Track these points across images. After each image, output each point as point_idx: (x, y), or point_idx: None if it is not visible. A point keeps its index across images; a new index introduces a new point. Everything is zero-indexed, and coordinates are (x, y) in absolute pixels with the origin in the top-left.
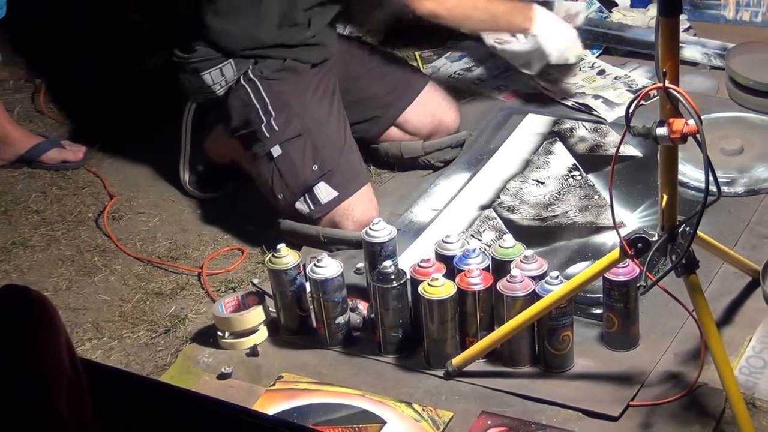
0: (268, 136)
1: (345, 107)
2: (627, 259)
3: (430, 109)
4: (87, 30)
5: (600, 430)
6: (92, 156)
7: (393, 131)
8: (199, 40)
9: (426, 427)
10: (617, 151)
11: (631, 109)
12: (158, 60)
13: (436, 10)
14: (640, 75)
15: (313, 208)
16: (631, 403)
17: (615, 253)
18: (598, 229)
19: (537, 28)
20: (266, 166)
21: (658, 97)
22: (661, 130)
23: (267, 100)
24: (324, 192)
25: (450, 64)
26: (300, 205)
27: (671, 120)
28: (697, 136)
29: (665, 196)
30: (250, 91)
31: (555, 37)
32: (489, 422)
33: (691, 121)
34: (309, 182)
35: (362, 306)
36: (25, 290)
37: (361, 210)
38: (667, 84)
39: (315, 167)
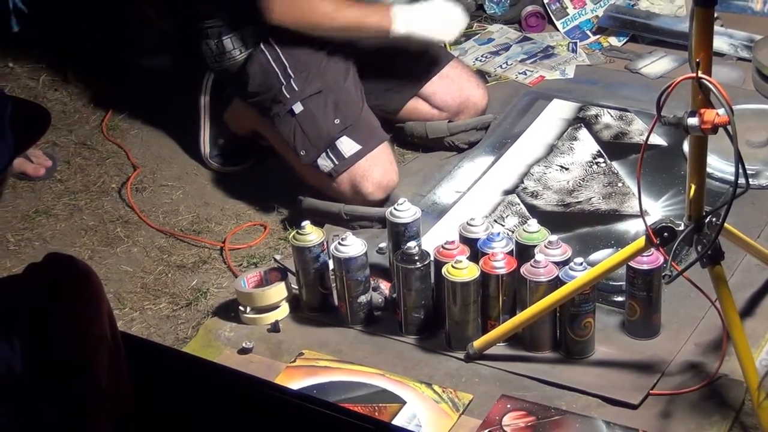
0: (288, 96)
1: (367, 79)
2: (651, 248)
3: (457, 84)
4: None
5: (619, 417)
6: (54, 173)
7: (421, 105)
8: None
9: (446, 409)
10: (647, 140)
11: (662, 99)
12: (163, 62)
13: (282, 21)
14: (666, 63)
15: (337, 162)
16: (651, 391)
17: (640, 242)
18: (622, 216)
19: (400, 25)
20: (288, 123)
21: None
22: (692, 121)
23: (286, 63)
24: (347, 145)
25: (477, 46)
26: (322, 161)
27: (703, 110)
28: (728, 127)
29: (693, 186)
30: (269, 55)
31: (425, 24)
32: (509, 406)
33: (722, 112)
34: (332, 135)
35: (384, 286)
36: (71, 260)
37: (381, 171)
38: (700, 74)
39: (337, 121)
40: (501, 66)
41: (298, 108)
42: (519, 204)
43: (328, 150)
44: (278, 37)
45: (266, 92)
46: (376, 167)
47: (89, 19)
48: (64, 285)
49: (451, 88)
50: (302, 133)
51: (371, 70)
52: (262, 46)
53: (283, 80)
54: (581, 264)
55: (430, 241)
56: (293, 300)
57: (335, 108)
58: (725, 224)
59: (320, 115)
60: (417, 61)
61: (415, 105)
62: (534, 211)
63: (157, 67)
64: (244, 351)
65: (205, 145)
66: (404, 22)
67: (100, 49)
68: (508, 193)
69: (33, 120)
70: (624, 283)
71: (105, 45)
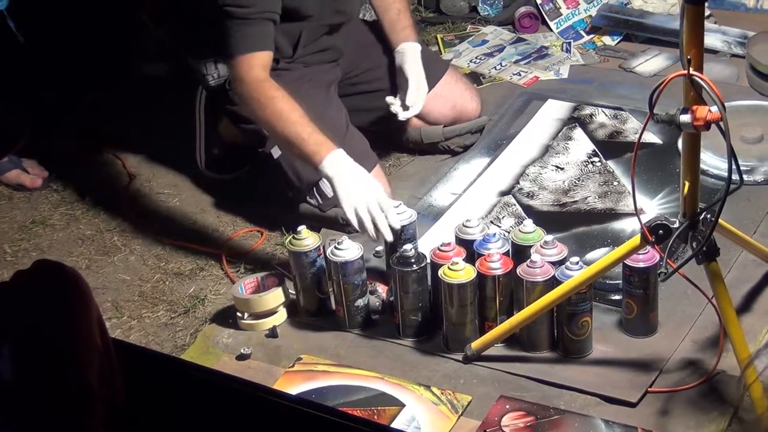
0: (268, 134)
1: (355, 97)
2: (647, 246)
3: (450, 101)
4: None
5: (618, 415)
6: (50, 184)
7: (413, 121)
8: None
9: (444, 411)
10: (639, 138)
11: (654, 97)
12: (161, 69)
13: (239, 97)
14: (659, 61)
15: (321, 202)
16: (649, 389)
17: (636, 240)
18: (617, 215)
19: (327, 169)
20: (271, 164)
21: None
22: (685, 117)
23: None
24: (329, 186)
25: (471, 48)
26: (309, 199)
27: (695, 107)
28: (721, 123)
29: (687, 184)
30: None
31: (343, 186)
32: (507, 406)
33: (715, 108)
34: (312, 180)
35: (381, 289)
36: (58, 265)
37: None
38: (691, 71)
39: None
40: (495, 67)
41: (276, 152)
42: (515, 205)
43: (313, 189)
44: None
45: (248, 123)
46: None
47: (87, 27)
48: (51, 291)
49: (444, 107)
50: (284, 176)
51: (360, 88)
52: None
53: None
54: (577, 263)
55: (427, 244)
56: (291, 305)
57: None
58: (720, 221)
59: (299, 161)
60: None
61: (408, 120)
62: (530, 211)
63: (153, 75)
64: (242, 357)
65: (201, 155)
66: (331, 169)
67: (97, 56)
68: (503, 194)
69: (13, 124)
70: (620, 281)
71: (102, 52)
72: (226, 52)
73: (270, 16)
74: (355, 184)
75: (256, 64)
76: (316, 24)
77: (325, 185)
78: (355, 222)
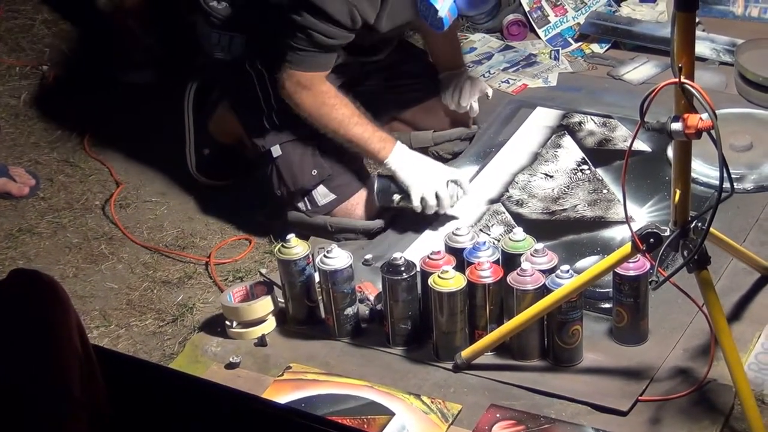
0: (269, 128)
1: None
2: (637, 254)
3: (449, 113)
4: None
5: (609, 424)
6: (38, 191)
7: (403, 128)
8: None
9: (434, 420)
10: (630, 146)
11: (645, 105)
12: (146, 77)
13: (292, 100)
14: (648, 69)
15: (309, 208)
16: (640, 398)
17: (626, 248)
18: (607, 223)
19: (393, 163)
20: (266, 161)
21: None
22: (676, 126)
23: (270, 92)
24: (322, 195)
25: None
26: (298, 204)
27: (686, 115)
28: (712, 131)
29: (678, 192)
30: (255, 78)
31: (411, 175)
32: (498, 415)
33: (706, 116)
34: (307, 187)
35: (371, 295)
36: (35, 274)
37: (362, 209)
38: (682, 79)
39: (314, 172)
40: (484, 75)
41: (276, 151)
42: (504, 213)
43: (304, 195)
44: (267, 64)
45: (249, 113)
46: (357, 206)
47: (75, 34)
48: (29, 299)
49: (436, 120)
50: (279, 176)
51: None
52: (247, 67)
53: (264, 108)
54: (568, 271)
55: (418, 252)
56: (280, 313)
57: (313, 156)
58: (711, 229)
59: (297, 165)
60: (399, 90)
61: (398, 126)
62: (519, 219)
63: (140, 82)
64: (231, 366)
65: (191, 155)
66: (397, 162)
67: (83, 63)
68: (493, 202)
69: None
70: (611, 289)
71: (88, 59)
72: (295, 64)
73: (341, 46)
74: (421, 174)
75: (318, 77)
76: (352, 58)
77: (317, 193)
78: (429, 207)
